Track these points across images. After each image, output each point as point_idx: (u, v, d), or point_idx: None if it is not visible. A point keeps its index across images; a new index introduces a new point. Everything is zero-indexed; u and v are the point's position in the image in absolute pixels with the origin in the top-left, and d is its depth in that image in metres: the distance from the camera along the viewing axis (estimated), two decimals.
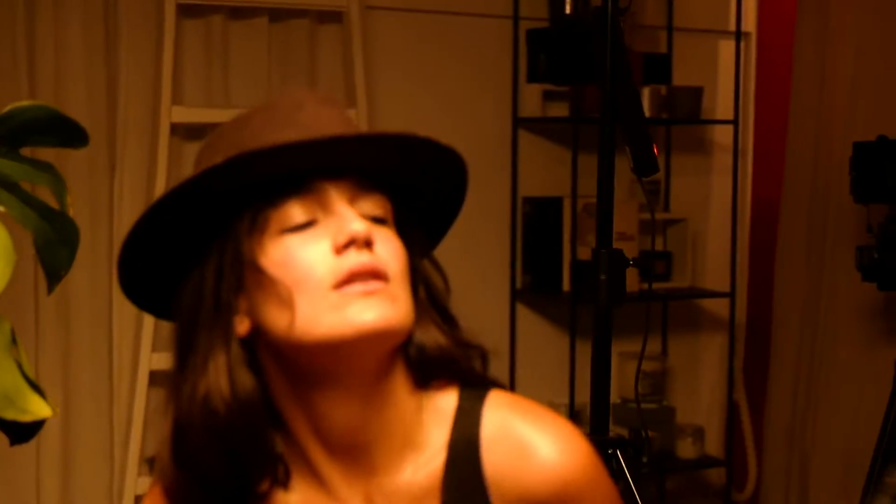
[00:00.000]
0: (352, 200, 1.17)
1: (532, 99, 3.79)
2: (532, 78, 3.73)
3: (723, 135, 4.08)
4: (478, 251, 3.65)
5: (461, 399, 1.20)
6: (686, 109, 3.85)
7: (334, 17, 3.45)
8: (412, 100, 3.62)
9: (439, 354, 1.19)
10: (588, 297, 3.66)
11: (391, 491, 1.19)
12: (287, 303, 1.13)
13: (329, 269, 1.13)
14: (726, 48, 4.10)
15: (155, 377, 3.24)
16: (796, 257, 3.85)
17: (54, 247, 1.28)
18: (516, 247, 3.75)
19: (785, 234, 3.91)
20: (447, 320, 1.21)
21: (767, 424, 3.94)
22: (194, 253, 1.18)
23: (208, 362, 1.15)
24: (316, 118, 1.17)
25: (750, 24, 4.15)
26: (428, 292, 1.21)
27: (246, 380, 1.16)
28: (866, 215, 3.21)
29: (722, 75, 4.12)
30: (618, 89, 2.29)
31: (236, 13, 3.34)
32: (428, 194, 1.24)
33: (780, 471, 3.89)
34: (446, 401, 1.21)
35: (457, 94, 3.71)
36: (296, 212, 1.15)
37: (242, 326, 1.17)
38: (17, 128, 1.23)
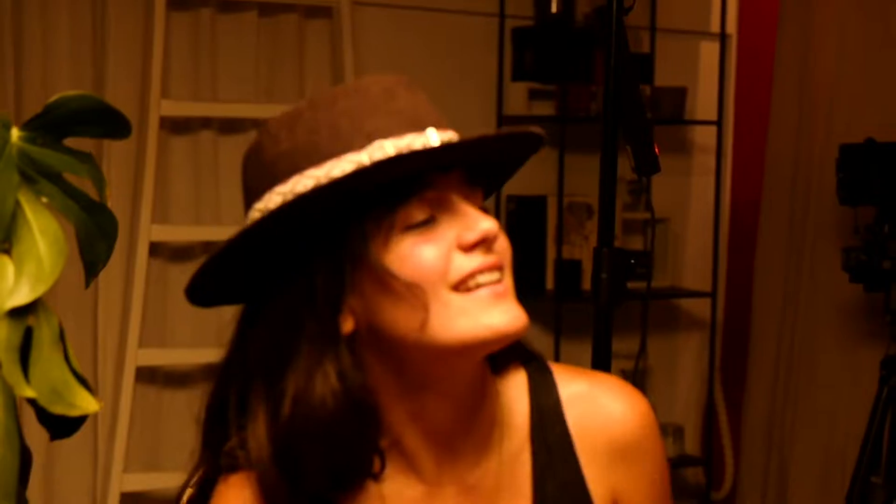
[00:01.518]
0: (465, 195, 1.16)
1: (518, 97, 3.79)
2: (517, 76, 3.74)
3: (704, 136, 4.11)
4: None
5: (529, 373, 1.26)
6: (669, 110, 3.87)
7: (323, 12, 3.44)
8: None
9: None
10: (572, 296, 3.70)
11: (481, 469, 1.21)
12: (421, 304, 1.12)
13: (457, 269, 1.13)
14: (708, 49, 4.12)
15: (142, 373, 3.21)
16: (776, 258, 3.87)
17: (94, 239, 1.26)
18: None
19: (765, 235, 3.93)
20: None
21: (745, 424, 3.97)
22: (289, 255, 1.15)
23: (317, 367, 1.14)
24: (413, 106, 1.16)
25: (731, 25, 4.18)
26: None
27: (357, 379, 1.15)
28: (853, 217, 3.23)
29: (703, 76, 4.14)
30: (622, 88, 2.29)
31: (225, 7, 3.32)
32: (489, 170, 1.24)
33: (758, 470, 3.91)
34: (517, 377, 1.25)
35: (443, 91, 3.69)
36: (416, 211, 1.13)
37: (347, 326, 1.15)
38: (63, 117, 1.20)
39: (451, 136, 1.16)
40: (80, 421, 1.18)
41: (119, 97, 3.15)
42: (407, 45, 3.64)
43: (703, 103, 4.08)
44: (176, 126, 3.26)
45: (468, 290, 1.13)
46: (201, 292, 1.21)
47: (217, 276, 1.18)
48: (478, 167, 1.18)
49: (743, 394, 4.00)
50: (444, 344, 1.12)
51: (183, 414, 3.35)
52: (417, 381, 1.16)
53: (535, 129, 1.18)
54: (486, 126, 3.74)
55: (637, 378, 3.86)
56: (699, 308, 4.09)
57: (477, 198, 1.17)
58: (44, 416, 1.16)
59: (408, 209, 1.12)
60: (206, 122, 3.32)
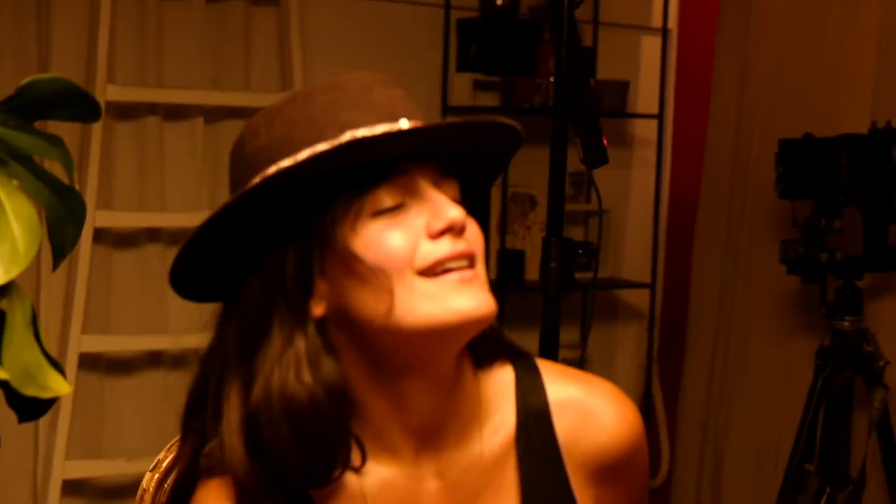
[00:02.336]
0: (436, 184, 1.17)
1: (462, 88, 3.82)
2: (462, 67, 3.76)
3: (644, 129, 4.16)
4: None
5: (517, 371, 1.25)
6: (612, 103, 3.91)
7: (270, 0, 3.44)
8: None
9: (493, 334, 1.23)
10: (515, 286, 3.73)
11: (462, 465, 1.21)
12: (385, 289, 1.13)
13: (424, 255, 1.14)
14: (649, 44, 4.18)
15: (85, 360, 3.19)
16: (714, 250, 3.92)
17: (63, 223, 1.27)
18: None
19: (703, 227, 3.98)
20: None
21: (681, 413, 4.02)
22: (263, 240, 1.17)
23: (287, 348, 1.15)
24: (387, 100, 1.17)
25: (672, 20, 4.23)
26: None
27: (328, 364, 1.16)
28: (791, 210, 3.29)
29: (644, 70, 4.19)
30: (573, 81, 2.33)
31: None
32: (475, 168, 1.25)
33: (693, 459, 3.97)
34: (503, 375, 1.25)
35: None
36: (385, 197, 1.15)
37: (317, 310, 1.16)
38: (35, 100, 1.21)
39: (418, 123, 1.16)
40: (49, 403, 1.19)
41: None
42: (354, 35, 3.65)
43: (645, 97, 4.13)
44: (121, 111, 3.24)
45: (435, 275, 1.14)
46: (183, 283, 1.21)
47: (196, 263, 1.19)
48: (456, 159, 1.20)
49: (680, 383, 4.06)
50: (410, 328, 1.13)
51: (126, 401, 3.34)
52: (392, 369, 1.17)
53: (507, 120, 1.19)
54: (430, 117, 3.75)
55: (578, 367, 3.90)
56: (638, 299, 4.15)
57: (450, 189, 1.19)
58: (13, 399, 1.17)
59: (377, 195, 1.15)
60: (151, 108, 3.30)
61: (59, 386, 1.13)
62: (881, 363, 3.10)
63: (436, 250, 1.14)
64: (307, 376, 1.14)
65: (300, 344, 1.15)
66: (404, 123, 1.14)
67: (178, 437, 1.44)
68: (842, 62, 3.53)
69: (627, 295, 4.20)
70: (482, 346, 1.22)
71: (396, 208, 1.15)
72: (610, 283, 4.10)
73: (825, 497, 3.10)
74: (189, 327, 3.33)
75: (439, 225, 1.15)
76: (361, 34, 3.67)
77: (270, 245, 1.16)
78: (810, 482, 3.18)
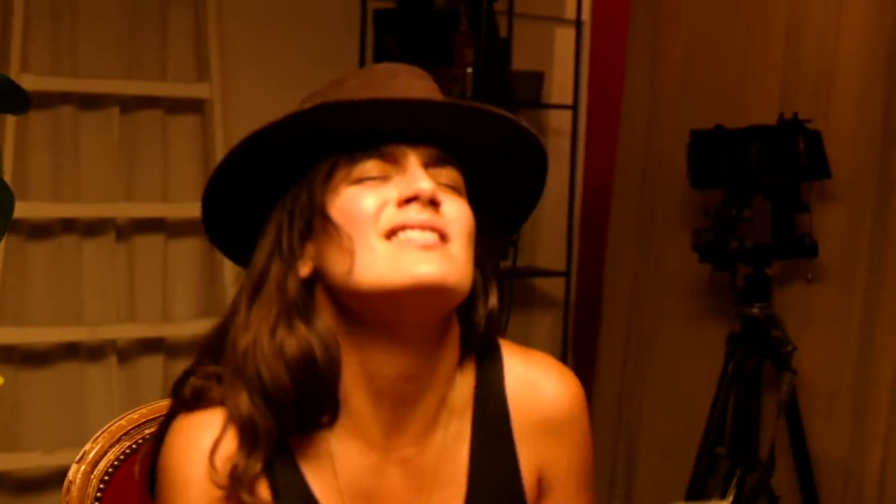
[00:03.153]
0: (427, 166, 1.20)
1: None
2: (380, 58, 3.77)
3: (559, 120, 4.21)
4: None
5: (480, 353, 1.29)
6: (527, 94, 3.95)
7: None
8: (259, 75, 3.61)
9: (491, 324, 1.27)
10: None
11: (424, 447, 1.25)
12: (347, 249, 1.17)
13: (388, 219, 1.17)
14: (563, 35, 4.23)
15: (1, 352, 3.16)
16: (627, 239, 3.99)
17: None
18: None
19: (616, 217, 4.05)
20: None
21: (595, 400, 4.08)
22: (274, 200, 1.23)
23: (278, 304, 1.20)
24: (408, 87, 1.21)
25: (586, 12, 4.29)
26: (493, 267, 1.27)
27: (312, 321, 1.20)
28: (703, 199, 3.36)
29: (557, 62, 4.24)
30: (492, 72, 2.36)
31: None
32: (508, 187, 1.28)
33: (607, 445, 4.03)
34: (470, 359, 1.29)
35: (303, 71, 3.71)
36: (370, 166, 1.20)
37: (304, 269, 1.22)
38: None
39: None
40: None
41: None
42: (270, 25, 3.64)
43: (559, 88, 4.18)
44: (36, 101, 3.19)
45: (396, 239, 1.17)
46: (214, 231, 1.28)
47: (220, 208, 1.25)
48: (475, 160, 1.24)
49: (592, 371, 4.12)
50: (367, 289, 1.16)
51: (41, 393, 3.30)
52: (362, 328, 1.20)
53: (500, 110, 1.21)
54: None
55: None
56: (553, 287, 4.20)
57: (446, 174, 1.21)
58: None
59: (365, 164, 1.20)
60: (66, 98, 3.27)
61: None
62: (789, 348, 3.18)
63: (399, 215, 1.17)
64: (300, 328, 1.20)
65: (288, 302, 1.21)
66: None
67: (104, 428, 1.46)
68: (750, 54, 3.61)
69: (543, 283, 4.26)
70: (483, 335, 1.26)
71: (378, 178, 1.20)
72: (525, 271, 4.15)
73: (735, 479, 3.18)
74: (104, 318, 3.31)
75: (406, 192, 1.18)
76: (278, 24, 3.67)
77: (276, 205, 1.24)
78: (721, 465, 3.26)
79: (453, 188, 1.22)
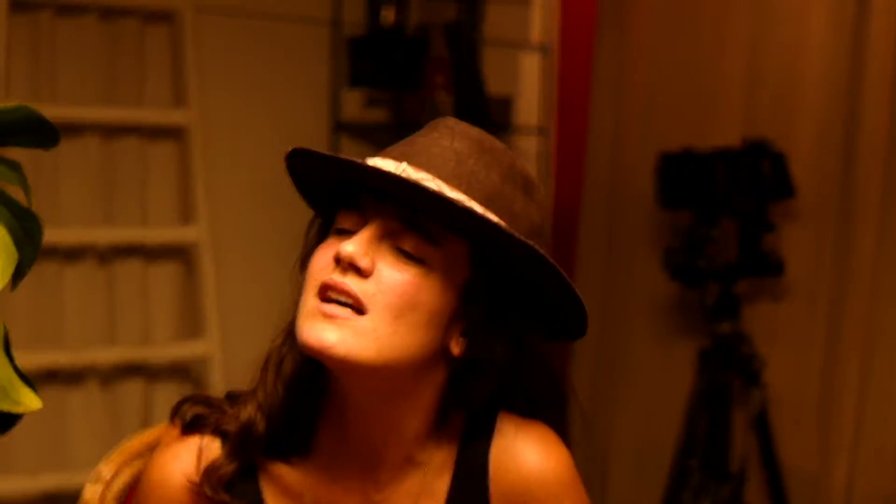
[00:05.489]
0: (391, 230, 1.19)
1: (354, 104, 3.88)
2: (356, 82, 3.83)
3: (527, 144, 4.27)
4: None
5: (471, 418, 1.29)
6: (498, 118, 4.01)
7: (164, 17, 3.46)
8: (236, 102, 3.66)
9: (492, 400, 1.29)
10: None
11: (402, 491, 1.27)
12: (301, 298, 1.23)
13: (323, 277, 1.19)
14: (529, 60, 4.29)
15: None
16: (595, 260, 4.03)
17: (23, 244, 1.32)
18: None
19: (585, 238, 4.08)
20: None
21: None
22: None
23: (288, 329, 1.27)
24: (426, 149, 1.21)
25: (552, 37, 4.35)
26: (515, 351, 1.27)
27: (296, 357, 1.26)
28: (670, 220, 3.43)
29: (524, 87, 4.30)
30: (469, 97, 2.42)
31: (65, 11, 3.30)
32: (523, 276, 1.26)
33: (579, 462, 4.07)
34: (454, 421, 1.29)
35: (278, 97, 3.76)
36: (347, 219, 1.22)
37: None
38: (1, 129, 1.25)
39: (424, 177, 1.18)
40: (19, 418, 1.24)
41: None
42: (245, 52, 3.69)
43: (526, 112, 4.24)
44: None
45: (319, 302, 1.18)
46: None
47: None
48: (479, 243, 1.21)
49: None
50: (298, 341, 1.20)
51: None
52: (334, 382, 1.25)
53: (479, 209, 1.18)
54: (319, 133, 3.82)
55: None
56: None
57: (410, 241, 1.18)
58: None
59: (344, 216, 1.23)
60: None
61: (30, 401, 1.18)
62: (757, 364, 3.26)
63: (329, 275, 1.18)
64: (293, 361, 1.26)
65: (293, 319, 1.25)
66: (403, 165, 1.19)
67: (117, 448, 1.50)
68: (714, 77, 3.68)
69: None
70: (466, 406, 1.27)
71: (348, 233, 1.21)
72: None
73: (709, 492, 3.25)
74: (87, 343, 3.34)
75: (332, 254, 1.19)
76: (252, 51, 3.71)
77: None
78: (693, 478, 3.32)
79: (412, 257, 1.18)
